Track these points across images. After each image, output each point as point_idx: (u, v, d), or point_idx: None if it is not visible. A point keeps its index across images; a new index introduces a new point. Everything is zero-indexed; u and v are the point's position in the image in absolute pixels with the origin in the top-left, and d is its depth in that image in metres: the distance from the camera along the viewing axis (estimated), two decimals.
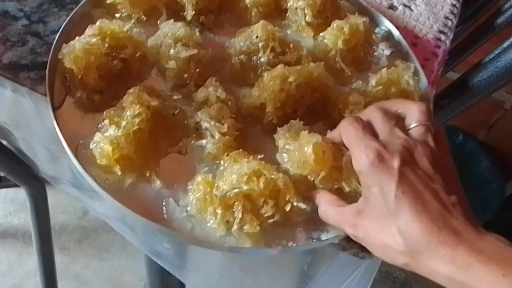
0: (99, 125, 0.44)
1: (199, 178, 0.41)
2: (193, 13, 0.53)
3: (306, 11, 0.54)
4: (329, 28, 0.54)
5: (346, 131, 0.40)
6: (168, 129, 0.45)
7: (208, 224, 0.40)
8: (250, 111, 0.47)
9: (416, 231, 0.33)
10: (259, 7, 0.56)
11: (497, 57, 0.60)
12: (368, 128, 0.39)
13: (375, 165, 0.35)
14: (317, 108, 0.49)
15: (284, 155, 0.44)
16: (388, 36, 0.58)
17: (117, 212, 0.51)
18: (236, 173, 0.40)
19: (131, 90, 0.44)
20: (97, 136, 0.42)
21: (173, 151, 0.45)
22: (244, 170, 0.40)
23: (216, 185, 0.41)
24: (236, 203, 0.40)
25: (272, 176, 0.40)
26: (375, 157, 0.35)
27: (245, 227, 0.39)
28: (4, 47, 0.50)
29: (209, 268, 0.51)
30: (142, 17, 0.53)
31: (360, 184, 0.39)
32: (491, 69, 0.59)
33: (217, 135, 0.43)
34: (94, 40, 0.46)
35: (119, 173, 0.41)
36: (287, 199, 0.40)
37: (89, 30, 0.47)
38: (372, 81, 0.51)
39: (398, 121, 0.39)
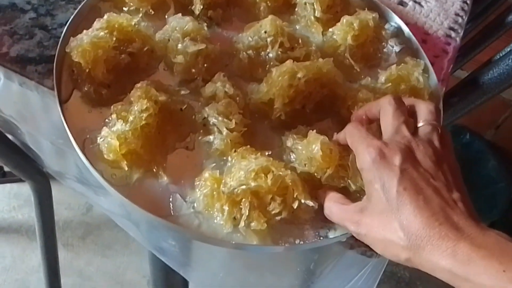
0: (107, 120, 0.44)
1: (206, 174, 0.41)
2: (201, 7, 0.53)
3: (315, 6, 0.54)
4: (338, 24, 0.53)
5: (350, 133, 0.40)
6: (176, 124, 0.45)
7: (215, 221, 0.40)
8: (258, 107, 0.47)
9: (417, 225, 0.33)
10: (268, 2, 0.56)
11: (508, 55, 0.59)
12: (371, 130, 0.40)
13: (376, 162, 0.36)
14: (325, 104, 0.48)
15: (292, 154, 0.44)
16: (398, 32, 0.58)
17: (123, 208, 0.50)
18: (244, 169, 0.40)
19: (138, 85, 0.44)
20: (105, 130, 0.42)
21: (181, 147, 0.44)
22: (252, 166, 0.40)
23: (223, 181, 0.40)
24: (243, 199, 0.39)
25: (280, 173, 0.40)
26: (377, 154, 0.36)
27: (252, 224, 0.39)
28: (12, 40, 0.50)
29: (213, 265, 0.51)
30: (150, 11, 0.53)
31: None
32: (502, 67, 0.59)
33: (224, 131, 0.43)
34: (102, 33, 0.46)
35: (126, 168, 0.41)
36: (295, 196, 0.40)
37: (97, 24, 0.47)
38: (382, 78, 0.51)
39: (408, 118, 0.40)
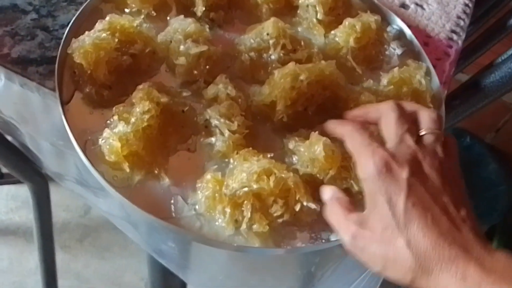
0: (108, 121, 0.44)
1: (208, 176, 0.41)
2: (203, 9, 0.53)
3: (317, 8, 0.54)
4: (340, 26, 0.53)
5: (351, 136, 0.38)
6: (177, 126, 0.45)
7: (217, 223, 0.40)
8: (260, 109, 0.47)
9: (426, 245, 0.32)
10: (270, 4, 0.55)
11: (510, 58, 0.59)
12: (375, 137, 0.38)
13: (383, 174, 0.34)
14: (328, 106, 0.48)
15: (293, 156, 0.44)
16: (400, 35, 0.58)
17: (124, 210, 0.50)
18: (246, 171, 0.40)
19: (140, 86, 0.44)
20: (106, 132, 0.42)
21: (182, 149, 0.44)
22: (254, 168, 0.40)
23: (225, 183, 0.40)
24: (245, 202, 0.39)
25: (282, 175, 0.40)
26: (383, 166, 0.34)
27: (254, 226, 0.39)
28: (13, 41, 0.50)
29: (213, 268, 0.51)
30: (152, 12, 0.53)
31: None
32: (504, 70, 0.59)
33: (226, 133, 0.43)
34: (104, 35, 0.45)
35: (128, 170, 0.41)
36: (297, 198, 0.40)
37: (98, 25, 0.47)
38: (384, 80, 0.50)
39: (411, 125, 0.38)
